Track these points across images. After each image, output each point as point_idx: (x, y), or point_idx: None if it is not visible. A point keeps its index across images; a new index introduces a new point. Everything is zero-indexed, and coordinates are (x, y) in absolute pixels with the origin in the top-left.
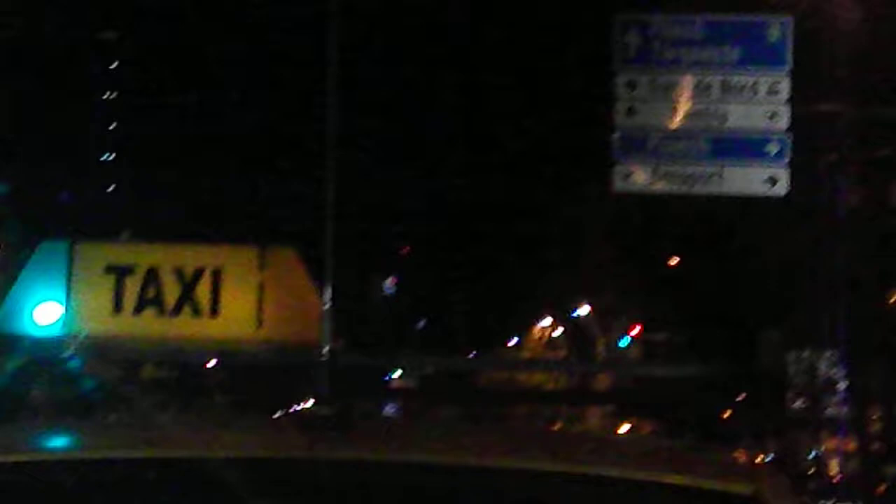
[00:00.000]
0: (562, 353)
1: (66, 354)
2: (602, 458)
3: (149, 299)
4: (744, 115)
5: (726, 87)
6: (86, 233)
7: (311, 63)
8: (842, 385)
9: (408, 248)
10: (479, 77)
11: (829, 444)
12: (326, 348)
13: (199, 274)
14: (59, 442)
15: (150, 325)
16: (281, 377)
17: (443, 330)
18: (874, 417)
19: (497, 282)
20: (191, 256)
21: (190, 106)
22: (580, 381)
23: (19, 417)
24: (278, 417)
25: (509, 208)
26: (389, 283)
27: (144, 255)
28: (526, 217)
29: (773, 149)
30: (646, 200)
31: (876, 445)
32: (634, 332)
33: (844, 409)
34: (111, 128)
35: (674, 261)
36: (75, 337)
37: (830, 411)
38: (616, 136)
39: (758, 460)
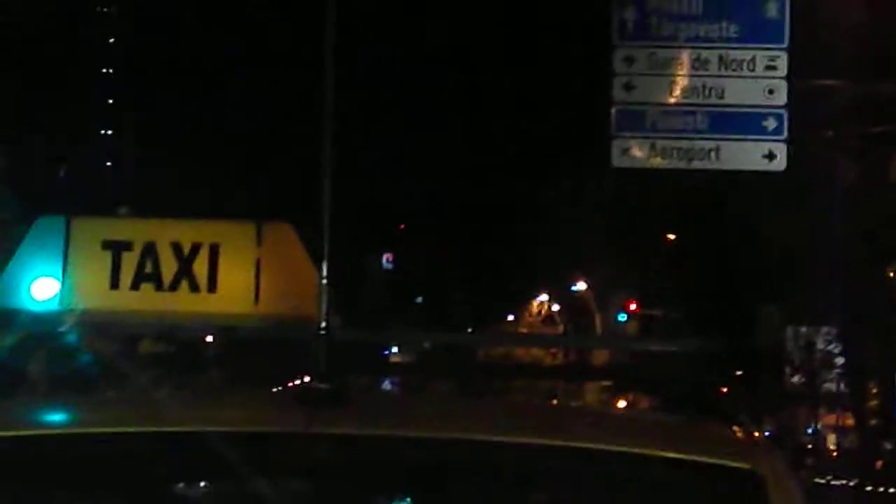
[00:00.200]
0: (559, 328)
1: (63, 330)
2: (599, 432)
3: (146, 275)
4: (742, 91)
5: (724, 63)
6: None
7: (306, 36)
8: (839, 361)
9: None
10: (476, 48)
11: (827, 419)
12: (324, 324)
13: (196, 249)
14: (56, 417)
15: (147, 300)
16: (278, 353)
17: (441, 305)
18: (872, 393)
19: (495, 257)
20: (188, 232)
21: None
22: (577, 356)
23: (16, 393)
24: (276, 393)
25: (507, 186)
26: (386, 259)
27: (141, 231)
28: (524, 193)
29: (770, 124)
30: (644, 175)
31: (873, 421)
32: (632, 308)
33: (842, 385)
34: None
35: (672, 236)
36: (72, 312)
37: (828, 387)
38: (614, 111)
39: (755, 435)
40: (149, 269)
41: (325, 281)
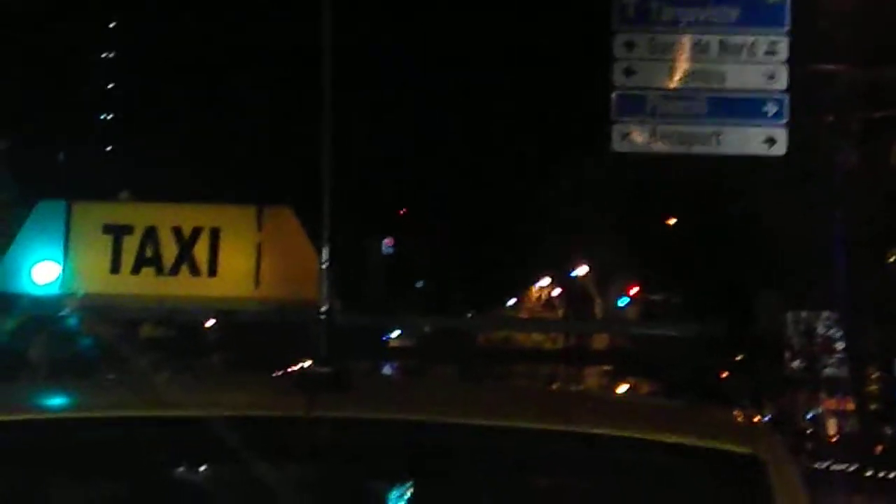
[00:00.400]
0: (559, 313)
1: (64, 314)
2: (600, 417)
3: (147, 259)
4: (742, 75)
5: (725, 47)
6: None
7: (305, 19)
8: (840, 346)
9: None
10: (476, 34)
11: (828, 404)
12: (324, 308)
13: (197, 233)
14: (56, 401)
15: (148, 284)
16: (279, 337)
17: (441, 290)
18: (872, 377)
19: (495, 243)
20: (189, 216)
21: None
22: (578, 340)
23: (17, 376)
24: (276, 377)
25: (508, 169)
26: (387, 244)
27: (142, 215)
28: (525, 177)
29: (771, 109)
30: (645, 160)
31: (873, 405)
32: (633, 293)
33: (842, 370)
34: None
35: (672, 221)
36: (73, 296)
37: (828, 372)
38: (614, 95)
39: (756, 420)
40: (149, 253)
41: (325, 265)
